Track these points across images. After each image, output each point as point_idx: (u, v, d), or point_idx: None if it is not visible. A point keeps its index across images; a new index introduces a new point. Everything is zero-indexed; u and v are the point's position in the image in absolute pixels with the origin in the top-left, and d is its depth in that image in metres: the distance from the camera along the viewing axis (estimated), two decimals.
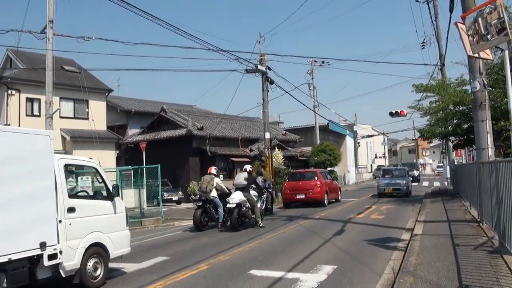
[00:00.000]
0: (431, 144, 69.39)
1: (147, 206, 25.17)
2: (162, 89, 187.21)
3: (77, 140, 28.46)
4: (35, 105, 28.10)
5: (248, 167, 17.12)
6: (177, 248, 12.55)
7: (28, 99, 27.93)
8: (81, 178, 19.53)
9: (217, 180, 16.65)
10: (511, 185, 7.36)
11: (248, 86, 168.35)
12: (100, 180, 9.23)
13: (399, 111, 31.77)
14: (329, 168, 37.43)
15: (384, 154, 78.68)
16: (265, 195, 18.69)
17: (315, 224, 16.27)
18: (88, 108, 30.45)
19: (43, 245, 7.24)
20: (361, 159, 65.37)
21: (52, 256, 7.43)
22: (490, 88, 17.53)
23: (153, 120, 36.32)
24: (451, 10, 14.74)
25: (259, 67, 26.72)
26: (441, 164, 61.58)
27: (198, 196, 16.75)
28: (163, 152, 31.06)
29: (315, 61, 43.22)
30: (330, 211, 20.62)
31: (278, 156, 32.44)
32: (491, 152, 12.60)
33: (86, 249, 8.18)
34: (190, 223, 17.29)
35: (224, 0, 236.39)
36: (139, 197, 22.36)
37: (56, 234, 7.58)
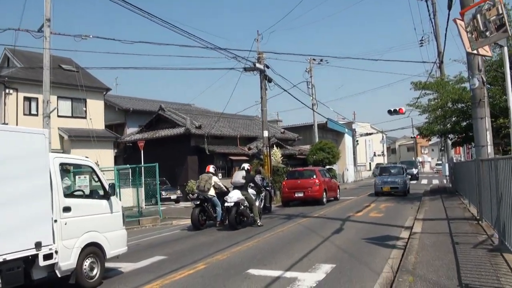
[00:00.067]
0: (430, 142, 69.44)
1: (145, 205, 25.08)
2: (160, 88, 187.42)
3: (75, 139, 28.42)
4: (33, 104, 27.99)
5: (246, 166, 17.07)
6: (175, 247, 12.48)
7: (25, 98, 27.83)
8: (79, 177, 19.46)
9: (215, 179, 16.57)
10: (511, 183, 7.29)
11: (247, 85, 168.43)
12: (96, 179, 9.15)
13: (397, 109, 31.69)
14: (327, 166, 37.38)
15: (382, 152, 78.67)
16: (263, 194, 18.60)
17: (313, 222, 16.20)
18: (86, 107, 30.34)
19: (38, 245, 7.17)
20: (360, 157, 65.31)
21: (47, 256, 7.36)
22: (489, 86, 17.47)
23: (151, 119, 36.25)
24: (449, 7, 14.72)
25: (257, 65, 26.65)
26: (440, 162, 61.52)
27: (196, 195, 16.69)
28: (161, 151, 31.00)
29: (314, 59, 43.14)
30: (328, 209, 20.56)
31: (276, 154, 32.36)
32: (490, 149, 12.55)
33: (82, 249, 8.10)
34: (188, 222, 17.22)
35: None
36: (137, 196, 22.26)
37: (52, 234, 7.51)
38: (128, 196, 23.52)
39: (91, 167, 9.12)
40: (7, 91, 26.96)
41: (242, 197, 15.50)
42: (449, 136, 25.74)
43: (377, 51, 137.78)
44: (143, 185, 24.21)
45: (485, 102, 12.78)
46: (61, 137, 28.96)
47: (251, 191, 16.51)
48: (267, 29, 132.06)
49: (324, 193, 23.32)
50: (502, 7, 8.25)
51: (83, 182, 19.00)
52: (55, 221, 7.61)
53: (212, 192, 16.27)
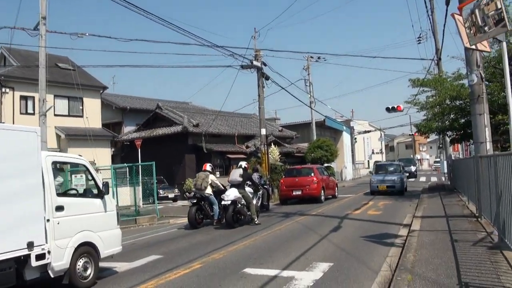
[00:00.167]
0: (428, 139, 69.55)
1: (143, 204, 25.03)
2: (157, 86, 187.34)
3: (72, 138, 28.37)
4: (29, 103, 27.88)
5: (243, 164, 16.96)
6: (171, 246, 12.36)
7: (22, 97, 27.71)
8: (75, 176, 19.39)
9: (212, 177, 16.46)
10: (511, 179, 7.18)
11: (244, 83, 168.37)
12: (90, 177, 9.02)
13: (395, 107, 31.59)
14: (326, 164, 37.38)
15: (381, 150, 78.65)
16: (260, 192, 18.50)
17: (311, 220, 16.10)
18: (82, 105, 30.24)
19: (30, 245, 7.04)
20: (358, 155, 65.26)
21: (40, 256, 7.23)
22: (487, 82, 17.37)
23: (149, 117, 36.18)
24: (447, 3, 14.61)
25: (254, 62, 26.53)
26: (438, 159, 61.60)
27: (192, 193, 16.58)
28: (158, 149, 30.94)
29: (311, 57, 42.99)
30: (326, 207, 20.45)
31: (274, 152, 32.26)
32: (489, 146, 12.42)
33: (76, 249, 7.96)
34: (185, 220, 17.09)
35: None
36: (134, 195, 22.15)
37: (44, 234, 7.38)
38: (125, 195, 23.45)
39: (84, 165, 8.98)
40: (3, 90, 26.82)
41: (239, 195, 15.39)
42: (448, 133, 25.66)
43: (375, 49, 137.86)
44: (141, 184, 24.12)
45: (483, 98, 12.65)
46: (58, 136, 28.86)
47: (248, 189, 16.38)
48: (264, 26, 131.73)
49: (322, 191, 23.24)
50: (501, 1, 8.13)
51: (79, 181, 18.96)
52: (48, 220, 7.48)
53: (209, 190, 16.15)
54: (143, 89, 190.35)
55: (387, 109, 31.89)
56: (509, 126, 8.82)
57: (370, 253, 9.56)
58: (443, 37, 20.92)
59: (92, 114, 29.75)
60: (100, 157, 26.91)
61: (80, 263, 8.08)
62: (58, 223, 7.68)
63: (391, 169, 28.99)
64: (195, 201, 16.18)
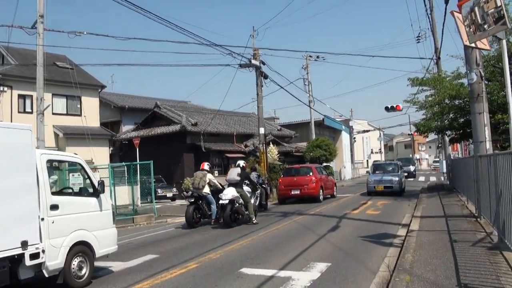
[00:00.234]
0: (427, 139, 69.49)
1: (141, 203, 24.98)
2: (156, 85, 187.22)
3: (70, 136, 28.29)
4: (27, 102, 27.79)
5: (241, 163, 16.85)
6: (168, 245, 12.27)
7: (20, 96, 27.61)
8: (73, 175, 19.29)
9: (209, 176, 16.39)
10: (511, 179, 7.09)
11: (243, 82, 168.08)
12: (86, 176, 8.93)
13: (394, 106, 31.47)
14: (324, 164, 37.27)
15: (380, 149, 78.49)
16: (259, 191, 18.43)
17: (309, 220, 16.02)
18: (80, 104, 30.15)
19: (24, 244, 6.97)
20: (357, 154, 65.22)
21: (34, 256, 7.15)
22: (487, 81, 17.28)
23: (147, 116, 36.06)
24: (446, 1, 14.48)
25: (253, 61, 26.44)
26: (437, 159, 61.45)
27: (190, 192, 16.51)
28: (157, 148, 30.87)
29: (310, 56, 42.89)
30: (325, 207, 20.38)
31: (273, 151, 32.16)
32: (488, 145, 12.33)
33: (70, 248, 7.88)
34: (183, 220, 16.99)
35: None
36: (132, 194, 22.07)
37: (39, 233, 7.30)
38: (123, 194, 23.38)
39: (80, 164, 8.88)
40: (1, 88, 26.73)
41: (237, 195, 15.31)
42: (447, 132, 25.59)
43: (374, 48, 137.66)
44: (139, 183, 24.06)
45: (483, 97, 12.56)
46: (56, 135, 28.78)
47: (246, 188, 16.29)
48: (262, 25, 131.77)
49: (321, 191, 23.16)
50: None
51: (77, 180, 18.84)
52: (42, 219, 7.40)
53: (206, 189, 16.07)
54: (142, 88, 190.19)
55: (386, 109, 31.77)
56: (509, 125, 8.75)
57: (368, 253, 9.48)
58: (442, 36, 20.90)
59: (90, 113, 29.72)
60: (98, 156, 26.85)
61: (75, 262, 8.00)
62: (53, 222, 7.59)
63: (389, 169, 27.88)
64: (192, 200, 16.11)
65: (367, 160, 71.04)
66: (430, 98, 23.08)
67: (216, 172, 31.77)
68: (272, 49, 48.08)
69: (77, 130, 27.42)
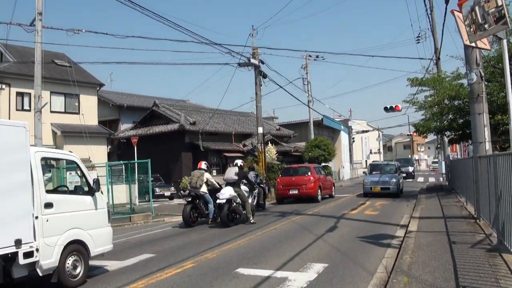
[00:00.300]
0: (426, 140, 69.40)
1: (139, 202, 24.88)
2: (154, 84, 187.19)
3: (68, 134, 28.19)
4: (26, 100, 27.67)
5: (239, 162, 16.75)
6: (164, 245, 12.18)
7: (18, 94, 27.51)
8: (70, 174, 19.19)
9: (207, 175, 16.31)
10: (511, 180, 7.01)
11: (242, 81, 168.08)
12: (81, 174, 8.84)
13: (394, 106, 31.41)
14: (323, 164, 37.22)
15: (379, 149, 78.50)
16: (256, 191, 18.32)
17: (307, 220, 15.94)
18: (79, 102, 30.05)
19: (18, 243, 6.87)
20: (356, 154, 65.20)
21: (28, 254, 7.05)
22: (487, 82, 17.22)
23: (145, 115, 36.02)
24: (446, 1, 14.40)
25: (252, 60, 26.37)
26: (436, 160, 61.48)
27: (187, 191, 16.44)
28: (155, 147, 30.84)
29: (310, 56, 42.85)
30: (323, 207, 20.30)
31: (271, 151, 32.11)
32: (488, 146, 12.27)
33: (65, 247, 7.77)
34: (180, 219, 16.86)
35: None
36: (130, 193, 21.99)
37: (32, 231, 7.19)
38: (121, 192, 23.29)
39: (75, 162, 8.78)
40: None
41: (235, 194, 15.21)
42: (446, 133, 25.55)
43: (374, 48, 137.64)
44: (137, 182, 23.99)
45: (483, 97, 12.49)
46: (54, 133, 28.67)
47: (244, 187, 16.17)
48: (262, 23, 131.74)
49: (319, 191, 23.08)
50: None
51: (74, 178, 18.74)
52: (36, 217, 7.30)
53: (204, 188, 15.99)
54: (141, 87, 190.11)
55: (386, 109, 31.70)
56: (509, 126, 8.68)
57: (366, 254, 9.40)
58: (442, 36, 20.83)
59: (88, 111, 29.67)
60: (96, 154, 26.78)
61: (70, 261, 7.90)
62: (47, 221, 7.50)
63: (387, 169, 26.89)
64: (190, 199, 16.06)
65: (366, 160, 70.99)
66: (429, 99, 23.02)
67: (215, 171, 31.73)
68: (271, 48, 48.15)
69: (75, 128, 27.32)
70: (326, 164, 39.39)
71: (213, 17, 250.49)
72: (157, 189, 29.60)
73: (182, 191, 17.84)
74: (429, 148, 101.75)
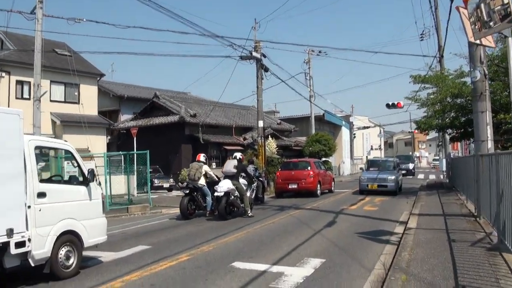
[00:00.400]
0: (428, 137, 69.22)
1: (137, 193, 24.78)
2: (155, 76, 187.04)
3: (67, 124, 28.07)
4: (25, 88, 27.51)
5: (238, 155, 16.64)
6: (161, 236, 12.06)
7: (18, 82, 27.35)
8: (68, 163, 19.05)
9: (205, 168, 16.20)
10: None
11: (243, 74, 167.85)
12: (76, 164, 8.69)
13: (396, 103, 31.25)
14: (323, 159, 37.11)
15: (380, 146, 78.39)
16: (255, 184, 18.21)
17: (306, 214, 15.84)
18: (79, 92, 29.91)
19: (10, 232, 6.74)
20: (357, 150, 65.09)
21: (19, 244, 6.92)
22: (490, 81, 17.07)
23: (146, 106, 35.85)
24: None
25: (254, 53, 26.20)
26: (437, 157, 61.31)
27: (185, 183, 16.34)
28: (155, 138, 30.70)
29: (312, 51, 42.70)
30: (322, 201, 20.23)
31: (271, 145, 31.99)
32: (490, 144, 12.13)
33: (58, 237, 7.64)
34: (178, 211, 16.73)
35: None
36: (128, 184, 21.88)
37: (25, 221, 7.06)
38: (120, 183, 23.15)
39: (69, 151, 8.64)
40: None
41: (233, 187, 15.10)
42: (448, 131, 25.42)
43: (377, 44, 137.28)
44: (135, 173, 23.88)
45: (486, 96, 12.35)
46: (54, 122, 28.56)
47: (242, 181, 16.06)
48: (265, 17, 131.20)
49: (318, 185, 22.98)
50: None
51: (72, 168, 18.60)
52: (29, 207, 7.16)
53: (202, 181, 15.89)
54: (141, 78, 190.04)
55: (387, 105, 31.53)
56: None
57: (364, 250, 9.30)
58: (446, 34, 20.53)
59: (88, 101, 29.54)
60: (95, 144, 26.68)
61: (63, 252, 7.77)
62: (40, 210, 7.36)
63: (385, 166, 25.69)
64: (187, 191, 15.94)
65: (367, 156, 70.88)
66: (432, 96, 22.90)
67: (214, 164, 31.60)
68: (273, 42, 48.04)
69: (75, 118, 27.18)
70: (326, 159, 39.28)
71: (214, 11, 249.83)
72: (156, 181, 29.49)
73: (180, 183, 17.72)
74: (430, 145, 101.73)
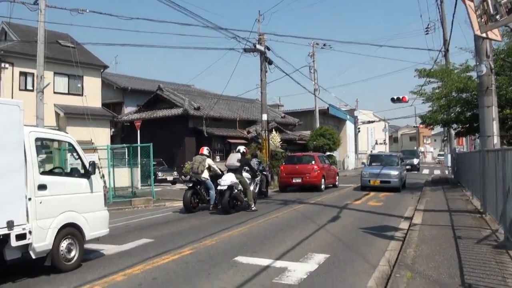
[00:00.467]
0: (433, 132, 69.12)
1: (141, 186, 24.72)
2: (159, 68, 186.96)
3: (71, 116, 28.02)
4: (29, 79, 27.40)
5: (241, 148, 16.53)
6: (164, 230, 12.00)
7: (21, 73, 27.24)
8: (71, 155, 18.99)
9: (209, 161, 16.09)
10: None
11: (247, 67, 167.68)
12: (77, 156, 8.61)
13: (400, 97, 31.09)
14: (328, 153, 36.97)
15: (384, 140, 78.23)
16: (259, 178, 18.14)
17: (310, 209, 15.75)
18: (82, 84, 29.82)
19: (10, 224, 6.68)
20: (361, 145, 64.93)
21: (20, 236, 6.87)
22: (496, 76, 16.91)
23: (150, 99, 35.83)
24: None
25: (258, 46, 26.01)
26: (442, 153, 61.15)
27: (188, 177, 16.25)
28: (159, 131, 30.63)
29: (317, 44, 42.50)
30: (326, 196, 20.13)
31: (275, 138, 31.87)
32: (496, 139, 11.97)
33: (59, 230, 7.58)
34: (181, 204, 16.66)
35: None
36: (131, 176, 21.82)
37: (25, 213, 7.00)
38: (123, 176, 23.09)
39: (70, 143, 8.56)
40: (2, 65, 26.36)
41: (236, 181, 15.00)
42: (453, 126, 25.24)
43: (383, 38, 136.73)
44: (139, 165, 23.82)
45: (492, 90, 12.18)
46: (57, 114, 28.46)
47: (246, 174, 15.96)
48: (269, 9, 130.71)
49: (323, 180, 22.86)
50: None
51: (75, 160, 18.55)
52: (29, 199, 7.10)
53: (205, 174, 15.79)
54: (145, 71, 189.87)
55: (392, 100, 31.36)
56: None
57: (369, 246, 9.20)
58: (451, 28, 20.34)
59: (92, 93, 29.42)
60: (99, 137, 26.66)
61: (64, 244, 7.70)
62: (41, 203, 7.29)
63: (388, 161, 24.42)
64: (191, 185, 15.85)
65: (371, 151, 70.83)
66: (437, 90, 22.69)
67: (218, 157, 31.58)
68: (278, 34, 47.58)
69: (78, 110, 27.09)
70: (331, 153, 39.14)
71: (216, 5, 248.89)
72: (159, 174, 29.46)
73: (183, 176, 17.63)
74: (435, 140, 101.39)
